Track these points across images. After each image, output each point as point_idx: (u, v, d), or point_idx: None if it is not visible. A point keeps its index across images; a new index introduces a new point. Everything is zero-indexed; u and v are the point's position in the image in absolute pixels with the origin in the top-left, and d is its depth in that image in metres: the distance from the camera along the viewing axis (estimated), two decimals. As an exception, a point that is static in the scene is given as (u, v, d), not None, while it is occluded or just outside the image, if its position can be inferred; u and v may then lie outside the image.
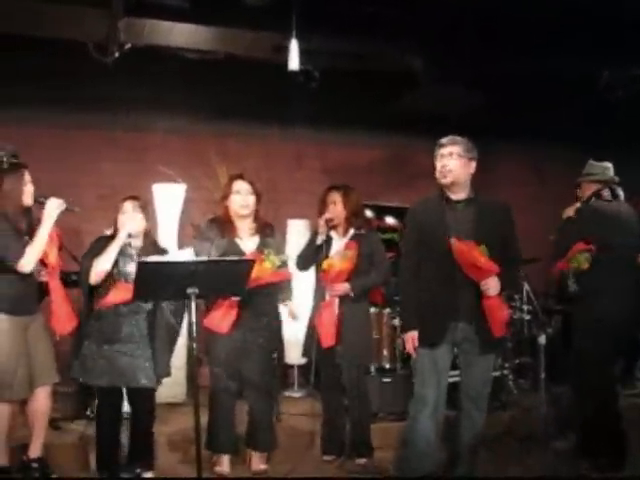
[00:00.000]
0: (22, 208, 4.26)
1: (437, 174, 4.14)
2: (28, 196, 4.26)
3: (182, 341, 5.91)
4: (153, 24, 5.76)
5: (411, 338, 4.19)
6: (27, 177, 4.26)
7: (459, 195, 4.15)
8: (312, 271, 5.09)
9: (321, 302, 4.88)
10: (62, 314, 4.36)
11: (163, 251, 4.56)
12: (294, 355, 6.10)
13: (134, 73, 6.27)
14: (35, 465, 4.39)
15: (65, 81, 6.35)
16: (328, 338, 4.77)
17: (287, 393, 6.45)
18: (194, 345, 3.76)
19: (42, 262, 4.27)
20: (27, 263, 4.13)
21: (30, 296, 4.33)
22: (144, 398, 4.47)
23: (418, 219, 4.23)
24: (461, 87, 6.62)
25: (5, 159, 3.76)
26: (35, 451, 4.39)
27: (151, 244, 4.54)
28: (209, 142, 6.82)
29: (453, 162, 4.08)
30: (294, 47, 5.51)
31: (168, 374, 4.51)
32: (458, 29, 6.03)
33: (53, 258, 4.32)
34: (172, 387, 5.50)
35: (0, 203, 4.16)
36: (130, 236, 4.40)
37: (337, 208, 4.92)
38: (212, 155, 6.61)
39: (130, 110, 6.75)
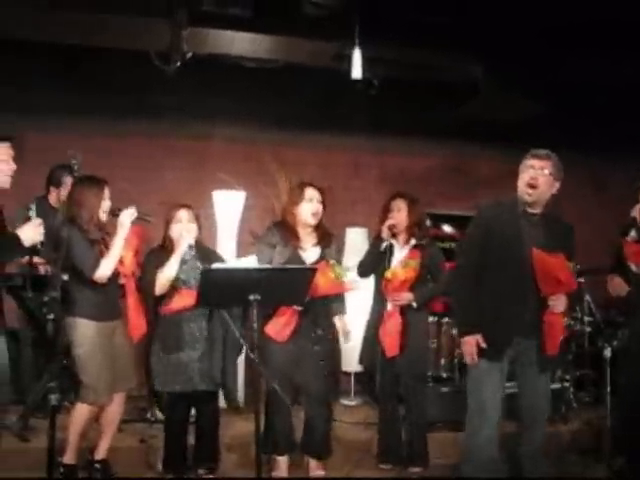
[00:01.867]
0: (97, 221, 4.33)
1: (522, 185, 3.99)
2: (104, 211, 4.34)
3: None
4: (216, 33, 5.85)
5: (475, 341, 4.00)
6: (106, 193, 4.35)
7: (535, 209, 4.04)
8: (370, 279, 5.10)
9: (382, 311, 4.88)
10: (137, 319, 4.44)
11: (217, 256, 4.63)
12: (350, 363, 6.10)
13: (194, 82, 6.35)
14: (98, 466, 4.50)
15: (127, 90, 6.50)
16: (392, 347, 4.76)
17: (343, 401, 6.45)
18: (255, 351, 3.80)
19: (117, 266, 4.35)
20: (103, 274, 4.22)
21: (114, 301, 4.42)
22: (207, 401, 4.56)
23: (489, 223, 4.07)
24: (522, 95, 6.57)
25: (77, 167, 3.85)
26: (101, 453, 4.51)
27: (205, 250, 4.62)
28: (268, 150, 6.87)
29: (543, 178, 3.96)
30: (357, 56, 5.54)
31: (222, 384, 4.58)
32: (519, 37, 5.98)
33: (128, 262, 4.40)
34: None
35: (76, 214, 4.26)
36: (191, 247, 4.47)
37: (401, 215, 4.91)
38: (271, 163, 6.68)
39: (191, 118, 6.84)
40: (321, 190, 4.65)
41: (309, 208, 4.56)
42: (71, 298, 4.19)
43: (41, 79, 6.28)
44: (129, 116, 6.68)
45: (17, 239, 3.60)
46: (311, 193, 4.60)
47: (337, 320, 4.73)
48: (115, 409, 4.48)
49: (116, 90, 6.49)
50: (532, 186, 3.95)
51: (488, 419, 4.00)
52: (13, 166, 3.75)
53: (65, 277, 4.09)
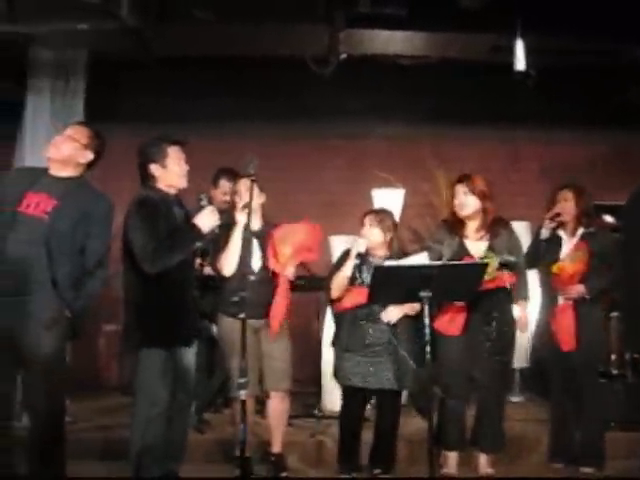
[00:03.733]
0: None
1: None
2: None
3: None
4: (372, 34, 5.92)
5: None
6: (240, 186, 4.57)
7: None
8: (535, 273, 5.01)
9: (552, 305, 4.79)
10: (277, 311, 4.53)
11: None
12: (516, 359, 5.98)
13: (350, 82, 6.45)
14: (273, 459, 4.67)
15: (286, 94, 6.70)
16: (569, 341, 4.67)
17: (509, 397, 6.32)
18: (428, 348, 3.83)
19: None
20: (220, 266, 4.46)
21: (257, 301, 4.41)
22: (388, 400, 4.60)
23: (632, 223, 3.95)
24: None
25: (252, 169, 4.01)
26: (275, 447, 4.68)
27: (395, 254, 4.60)
28: (425, 146, 6.90)
29: None
30: (520, 47, 5.44)
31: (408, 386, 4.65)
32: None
33: (284, 257, 4.52)
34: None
35: None
36: (362, 255, 4.53)
37: (567, 205, 4.83)
38: (429, 159, 6.68)
39: (347, 118, 6.94)
40: (472, 182, 4.65)
41: (455, 203, 4.70)
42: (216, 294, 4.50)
43: (208, 90, 6.61)
44: (289, 119, 6.86)
45: (194, 227, 3.92)
46: (456, 188, 4.71)
47: (518, 306, 4.72)
48: (276, 405, 4.64)
49: (275, 95, 6.71)
50: None
51: None
52: (185, 167, 4.03)
53: (252, 277, 4.29)
